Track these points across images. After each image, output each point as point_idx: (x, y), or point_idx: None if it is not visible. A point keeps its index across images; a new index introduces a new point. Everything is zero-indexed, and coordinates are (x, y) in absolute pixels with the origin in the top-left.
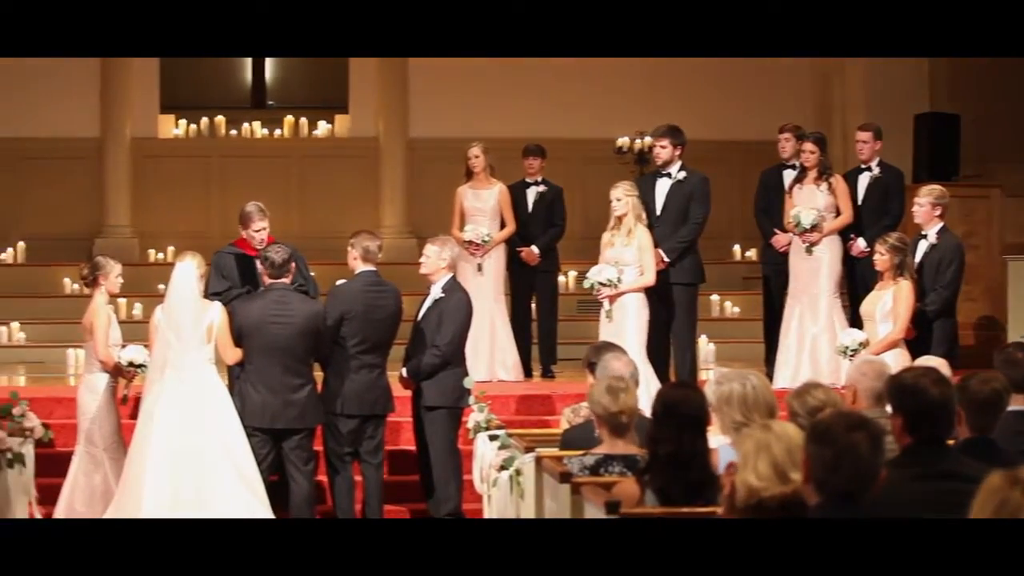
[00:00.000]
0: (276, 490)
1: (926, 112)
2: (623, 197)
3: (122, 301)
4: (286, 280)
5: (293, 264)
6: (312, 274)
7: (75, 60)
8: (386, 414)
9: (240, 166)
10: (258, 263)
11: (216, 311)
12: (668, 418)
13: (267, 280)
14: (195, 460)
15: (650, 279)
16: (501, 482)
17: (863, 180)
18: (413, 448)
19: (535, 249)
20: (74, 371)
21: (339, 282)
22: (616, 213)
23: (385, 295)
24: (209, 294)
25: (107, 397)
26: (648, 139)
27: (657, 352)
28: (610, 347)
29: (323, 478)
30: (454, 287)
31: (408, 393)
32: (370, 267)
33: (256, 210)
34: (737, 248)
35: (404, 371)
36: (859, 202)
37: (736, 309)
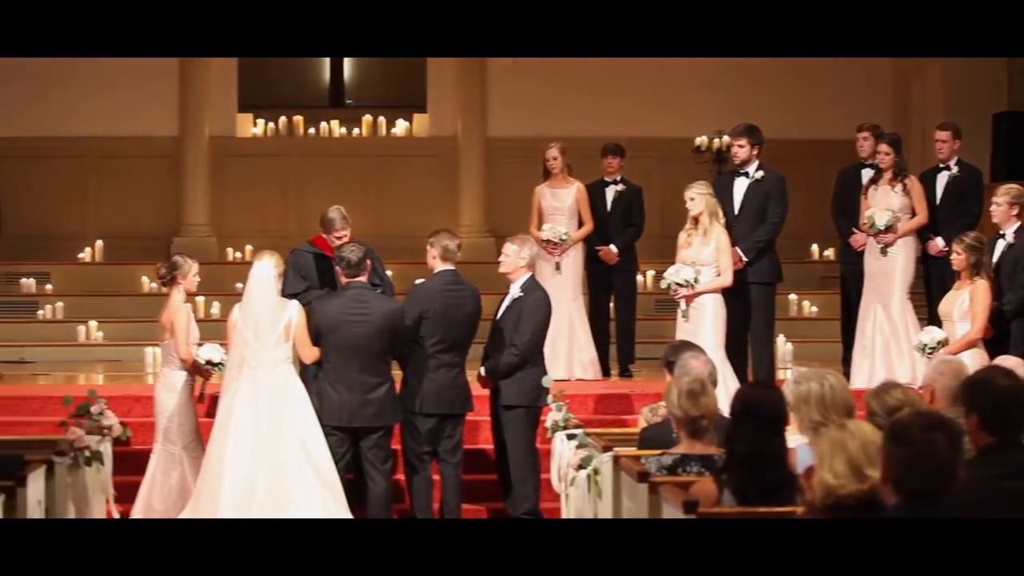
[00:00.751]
0: (353, 489)
1: (1005, 111)
2: (697, 197)
3: (200, 300)
4: (363, 279)
5: (369, 263)
6: (388, 274)
7: (154, 60)
8: (464, 413)
9: (318, 165)
10: (335, 262)
11: (294, 309)
12: (746, 418)
13: (344, 279)
14: (272, 459)
15: (727, 279)
16: (579, 481)
17: (941, 179)
18: (491, 447)
19: (613, 248)
20: (152, 369)
21: (418, 281)
22: (691, 213)
23: (464, 294)
24: (287, 294)
25: (185, 395)
26: (726, 138)
27: (735, 352)
28: (688, 346)
29: (401, 477)
30: (533, 286)
31: (487, 392)
32: (449, 266)
33: (339, 217)
34: (815, 247)
35: (482, 370)
36: (937, 201)
37: (814, 309)
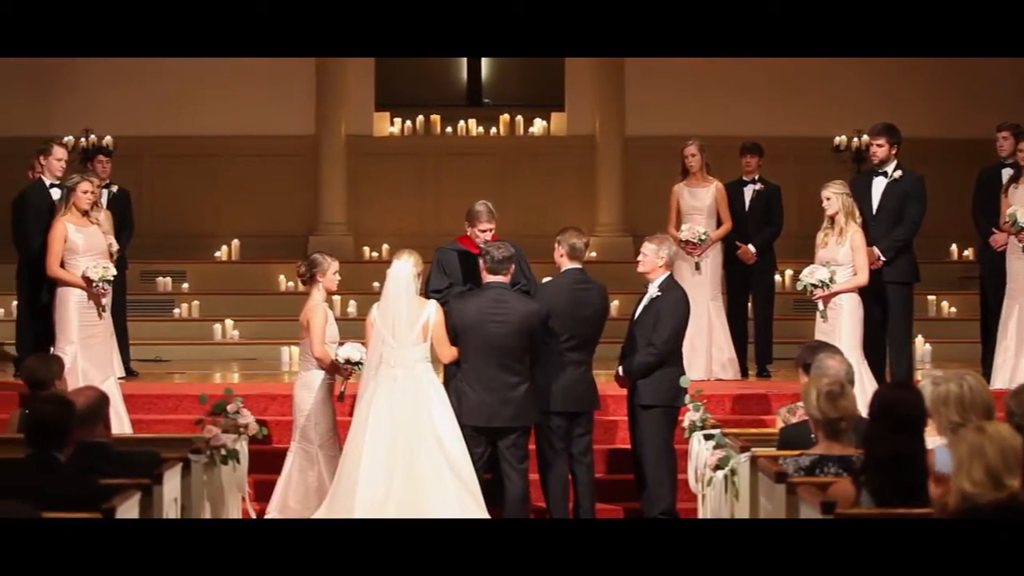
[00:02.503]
0: (490, 488)
1: None
2: (833, 196)
3: (337, 298)
4: (504, 278)
5: (513, 265)
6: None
7: (291, 59)
8: (593, 411)
9: (455, 164)
10: (480, 259)
11: (432, 309)
12: (884, 419)
13: (486, 276)
14: (410, 458)
15: (863, 279)
16: (716, 482)
17: None
18: (628, 447)
19: (752, 248)
20: (288, 368)
21: (545, 280)
22: (827, 212)
23: (590, 292)
24: (430, 290)
25: (323, 394)
26: (865, 138)
27: (872, 352)
28: (824, 346)
29: (536, 476)
30: (671, 285)
31: (624, 392)
32: (576, 264)
33: (485, 210)
34: (954, 247)
35: (620, 369)
36: None
37: (952, 309)
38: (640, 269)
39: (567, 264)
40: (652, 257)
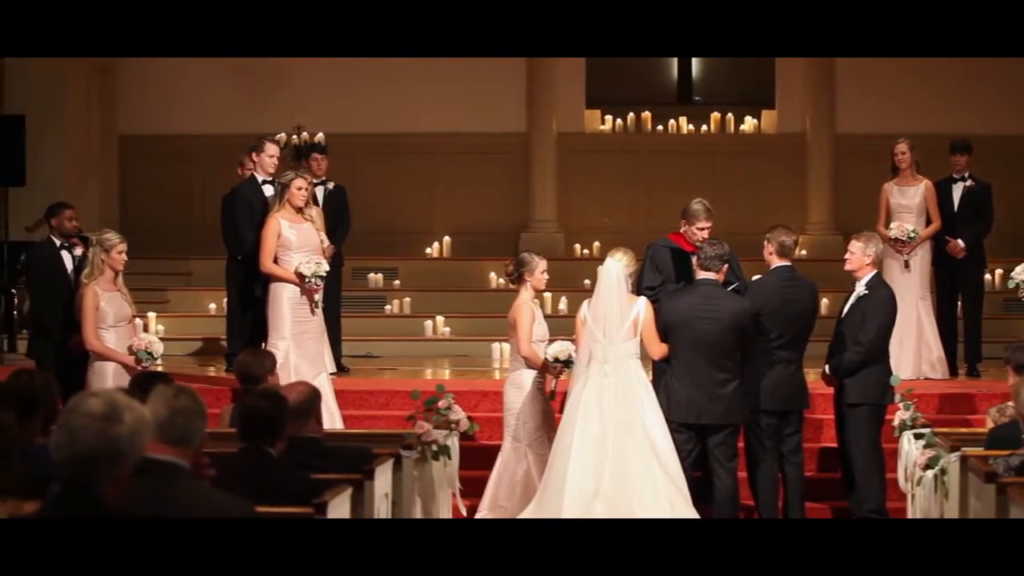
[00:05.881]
0: (699, 486)
1: None
2: None
3: (547, 295)
4: (716, 275)
5: (726, 264)
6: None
7: (503, 58)
8: (803, 410)
9: (666, 162)
10: (694, 256)
11: (641, 306)
12: None
13: (699, 272)
14: (619, 455)
15: None
16: (925, 481)
17: None
18: (835, 446)
19: (960, 242)
20: (498, 365)
21: (755, 277)
22: None
23: (801, 290)
24: (643, 288)
25: (533, 393)
26: None
27: None
28: None
29: (745, 474)
30: (879, 284)
31: (831, 390)
32: (786, 262)
33: (703, 209)
34: None
35: (827, 368)
36: None
37: None
38: (847, 267)
39: (777, 262)
40: (859, 255)
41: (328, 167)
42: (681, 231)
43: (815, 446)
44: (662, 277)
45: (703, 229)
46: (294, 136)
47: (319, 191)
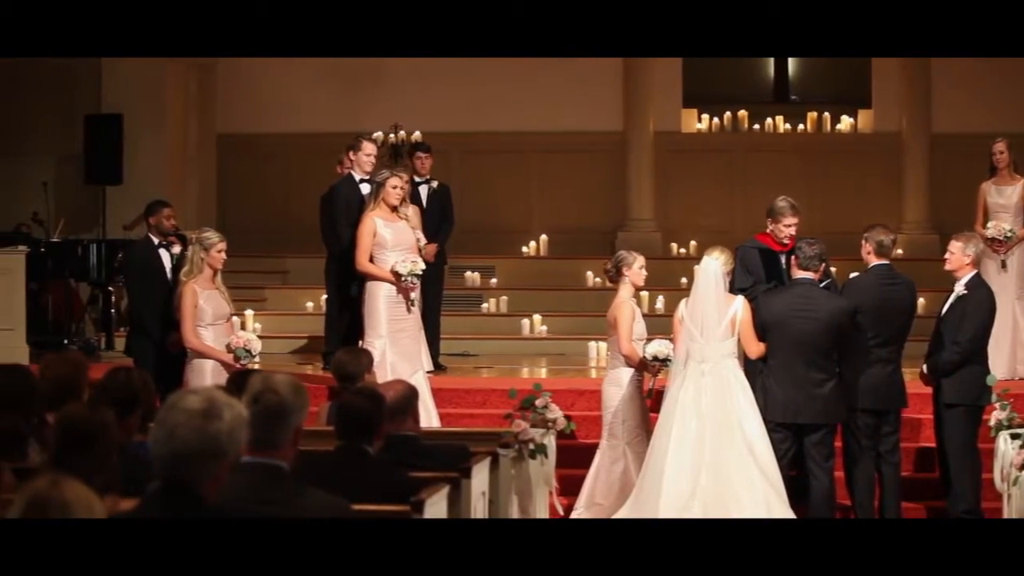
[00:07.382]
0: (795, 486)
1: None
2: None
3: (644, 294)
4: (813, 274)
5: (824, 263)
6: (832, 270)
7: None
8: (900, 410)
9: (762, 161)
10: (792, 255)
11: (739, 305)
12: None
13: (796, 272)
14: (716, 455)
15: None
16: (1022, 481)
17: None
18: (933, 445)
19: None
20: (595, 364)
21: (852, 275)
22: None
23: (898, 288)
24: (736, 290)
25: (631, 391)
26: None
27: None
28: None
29: (841, 474)
30: (977, 283)
31: (930, 390)
32: (884, 261)
33: (788, 206)
34: None
35: (924, 367)
36: None
37: None
38: (947, 267)
39: (874, 260)
40: (959, 255)
41: (431, 166)
42: (768, 230)
43: (912, 446)
44: (753, 278)
45: (790, 226)
46: (391, 135)
47: (423, 190)
